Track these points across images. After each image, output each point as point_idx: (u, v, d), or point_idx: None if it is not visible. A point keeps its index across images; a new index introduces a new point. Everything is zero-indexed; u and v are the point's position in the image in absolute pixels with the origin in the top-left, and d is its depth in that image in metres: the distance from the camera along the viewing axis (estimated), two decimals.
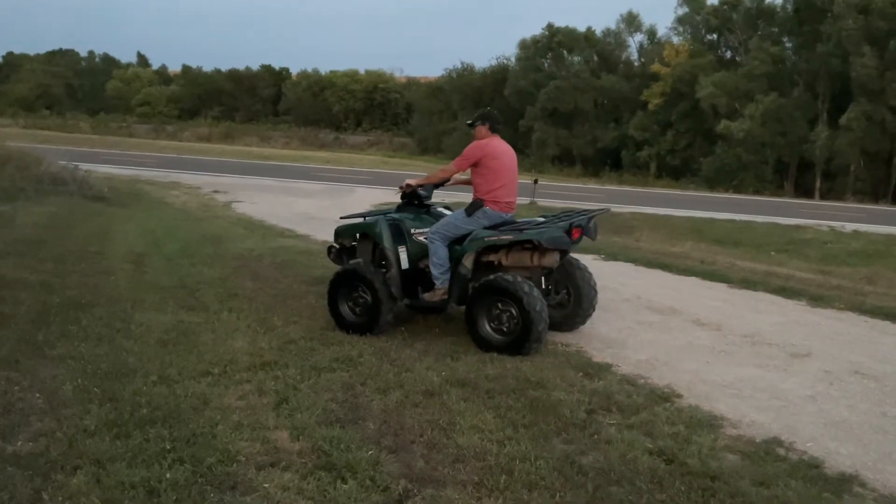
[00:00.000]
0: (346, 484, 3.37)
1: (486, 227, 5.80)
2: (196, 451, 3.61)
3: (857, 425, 4.40)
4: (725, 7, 43.18)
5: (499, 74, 51.79)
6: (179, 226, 13.12)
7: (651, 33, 50.35)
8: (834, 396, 4.88)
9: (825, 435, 4.22)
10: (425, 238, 5.95)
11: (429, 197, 6.40)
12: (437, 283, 5.86)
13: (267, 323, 6.14)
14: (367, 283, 5.92)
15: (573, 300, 6.22)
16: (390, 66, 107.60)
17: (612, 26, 50.12)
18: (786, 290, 8.48)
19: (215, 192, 19.14)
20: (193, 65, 71.23)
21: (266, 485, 3.34)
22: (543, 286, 5.97)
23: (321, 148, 52.33)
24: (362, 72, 65.85)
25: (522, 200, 21.17)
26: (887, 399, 4.84)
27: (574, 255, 6.18)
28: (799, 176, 39.94)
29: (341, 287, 6.08)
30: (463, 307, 5.75)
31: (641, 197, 26.42)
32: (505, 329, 5.51)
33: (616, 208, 20.92)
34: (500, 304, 5.50)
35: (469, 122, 6.11)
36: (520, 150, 45.22)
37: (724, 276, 9.48)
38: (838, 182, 38.12)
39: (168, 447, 3.63)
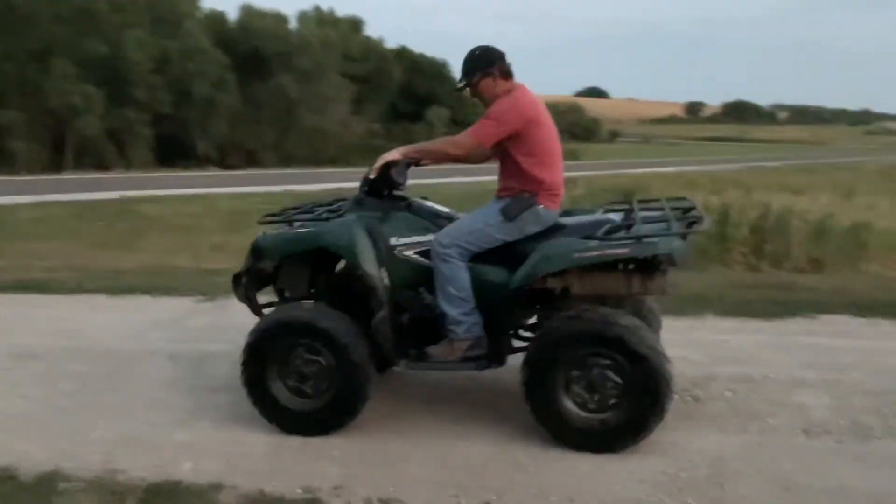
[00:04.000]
0: None
1: (529, 237, 3.52)
2: None
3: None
4: None
5: None
6: None
7: None
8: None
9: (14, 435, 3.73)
10: (416, 253, 3.62)
11: (403, 185, 3.77)
12: (458, 329, 3.52)
13: None
14: (328, 340, 3.50)
15: None
16: None
17: None
18: None
19: None
20: None
21: None
22: None
23: None
24: None
25: None
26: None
27: None
28: None
29: (272, 351, 3.57)
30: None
31: None
32: (601, 403, 3.33)
33: None
34: (592, 362, 3.32)
35: (467, 79, 3.56)
36: None
37: None
38: None
39: None
